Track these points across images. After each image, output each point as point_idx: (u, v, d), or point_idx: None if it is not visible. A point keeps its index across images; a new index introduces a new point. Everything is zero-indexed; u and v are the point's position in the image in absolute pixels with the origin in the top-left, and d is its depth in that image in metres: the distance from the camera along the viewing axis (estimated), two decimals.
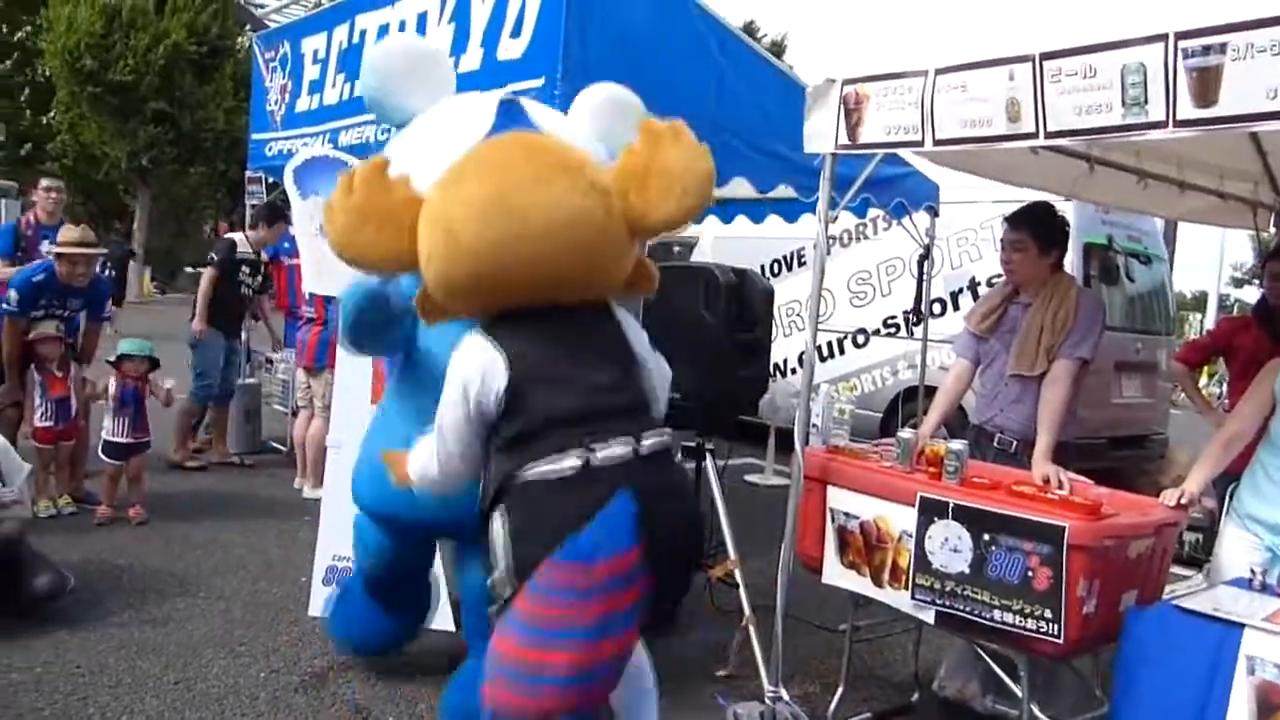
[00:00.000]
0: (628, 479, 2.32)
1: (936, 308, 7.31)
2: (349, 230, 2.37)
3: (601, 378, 2.44)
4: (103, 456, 5.53)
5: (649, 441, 2.42)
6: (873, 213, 6.22)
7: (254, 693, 3.49)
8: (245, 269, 7.31)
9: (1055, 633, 2.72)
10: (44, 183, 6.59)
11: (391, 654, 3.75)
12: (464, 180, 2.42)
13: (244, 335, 8.01)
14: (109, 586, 4.40)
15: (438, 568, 3.89)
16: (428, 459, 2.56)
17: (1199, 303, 32.00)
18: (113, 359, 5.60)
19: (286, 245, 7.85)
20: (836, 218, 4.07)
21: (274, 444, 7.77)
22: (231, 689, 3.51)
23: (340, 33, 6.32)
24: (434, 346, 3.16)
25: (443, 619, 4.06)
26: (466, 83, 5.02)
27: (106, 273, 7.22)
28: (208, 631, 3.97)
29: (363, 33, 6.02)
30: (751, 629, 3.83)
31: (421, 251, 2.40)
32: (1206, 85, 2.30)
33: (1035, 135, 2.70)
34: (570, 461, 2.30)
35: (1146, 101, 2.42)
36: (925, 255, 6.19)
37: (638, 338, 2.63)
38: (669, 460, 2.55)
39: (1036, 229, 3.75)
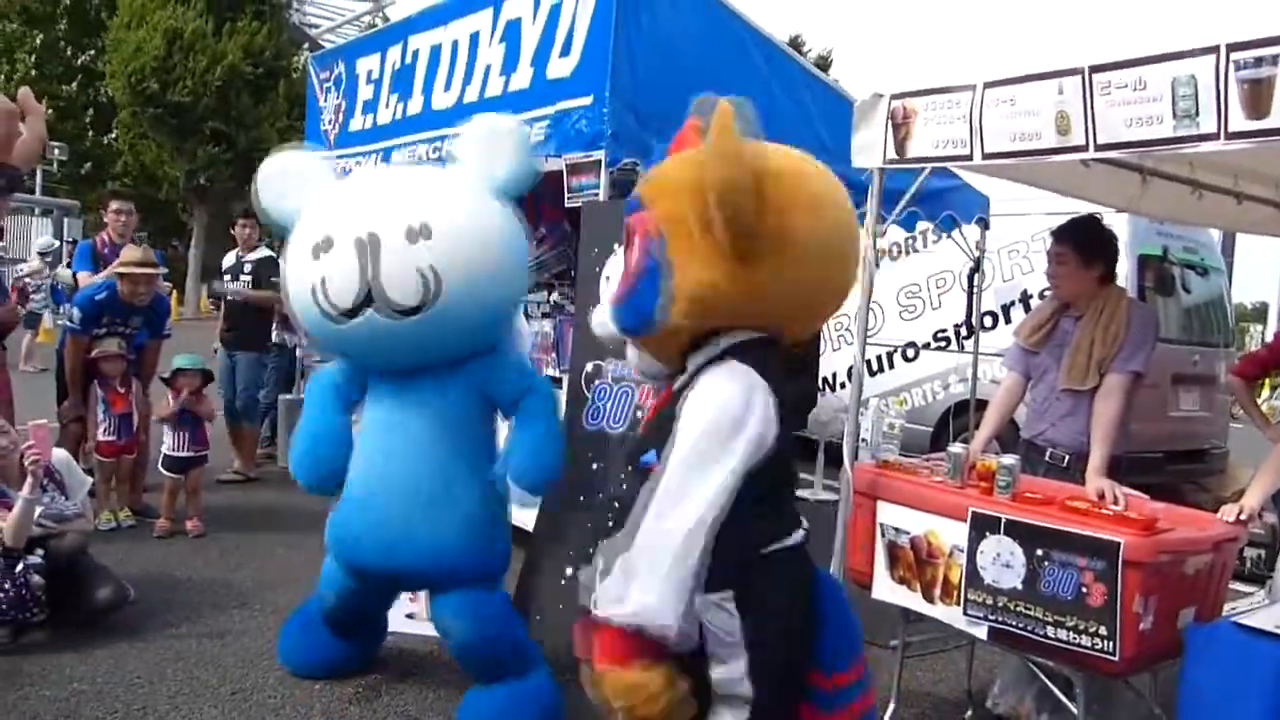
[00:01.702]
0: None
1: (988, 321, 7.25)
2: (745, 188, 1.99)
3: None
4: (162, 470, 5.66)
5: None
6: (921, 225, 6.20)
7: (309, 704, 3.55)
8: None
9: (1110, 650, 2.68)
10: (114, 205, 6.77)
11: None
12: (833, 188, 2.24)
13: (298, 351, 8.15)
14: (167, 598, 4.49)
15: None
16: (660, 584, 1.95)
17: (1259, 314, 31.32)
18: (167, 375, 5.73)
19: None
20: (885, 231, 4.07)
21: None
22: (287, 700, 3.57)
23: (393, 53, 6.44)
24: (373, 396, 3.48)
25: None
26: (517, 101, 5.12)
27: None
28: (263, 643, 4.04)
29: (415, 53, 6.14)
30: None
31: (776, 226, 2.05)
32: (1259, 97, 2.28)
33: (1085, 148, 2.69)
34: (801, 532, 2.12)
35: (1198, 114, 2.40)
36: (976, 268, 6.15)
37: None
38: None
39: (1078, 241, 3.71)
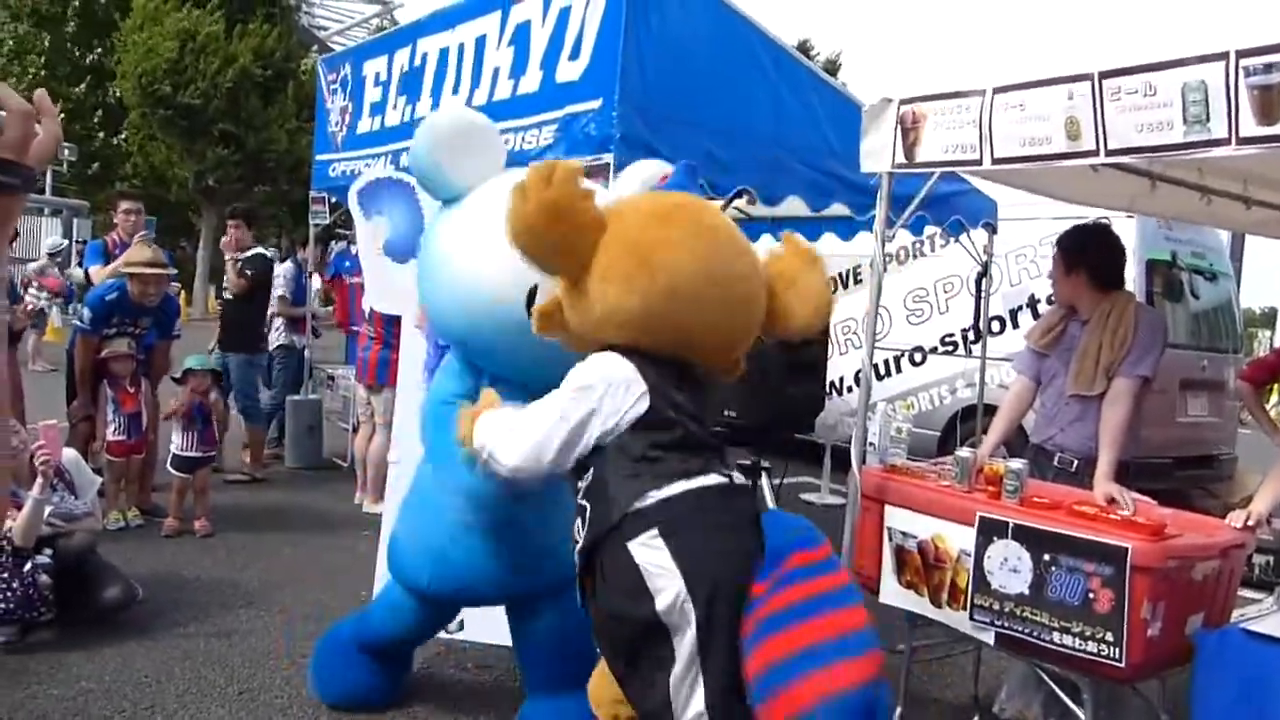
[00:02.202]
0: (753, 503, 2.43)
1: (995, 325, 7.24)
2: (540, 224, 2.31)
3: (705, 423, 2.47)
4: (170, 470, 5.68)
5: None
6: (929, 230, 6.20)
7: (316, 704, 3.55)
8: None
9: (1117, 656, 2.68)
10: (123, 205, 6.82)
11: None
12: (671, 223, 2.42)
13: (307, 352, 8.18)
14: (175, 597, 4.50)
15: None
16: (507, 440, 2.47)
17: (1268, 319, 31.23)
18: (177, 375, 5.76)
19: (348, 264, 8.01)
20: (894, 236, 4.08)
21: (335, 459, 7.91)
22: (294, 700, 3.58)
23: (401, 56, 6.45)
24: None
25: (498, 633, 4.11)
26: (526, 105, 5.12)
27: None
28: (270, 643, 4.05)
29: (424, 56, 6.15)
30: None
31: (603, 271, 2.36)
32: (1269, 103, 2.29)
33: (1095, 153, 2.69)
34: (716, 478, 2.35)
35: (1208, 119, 2.40)
36: (983, 272, 6.15)
37: None
38: None
39: (1061, 248, 3.81)
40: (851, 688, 2.09)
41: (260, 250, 7.49)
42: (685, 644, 2.21)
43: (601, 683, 2.70)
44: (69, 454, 4.43)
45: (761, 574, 2.23)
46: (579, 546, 2.41)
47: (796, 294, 2.56)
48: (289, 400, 7.86)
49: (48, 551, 3.99)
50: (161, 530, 5.54)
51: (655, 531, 2.26)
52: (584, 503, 2.41)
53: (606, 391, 2.34)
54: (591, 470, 2.40)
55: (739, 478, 2.48)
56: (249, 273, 7.21)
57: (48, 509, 3.99)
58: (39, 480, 3.87)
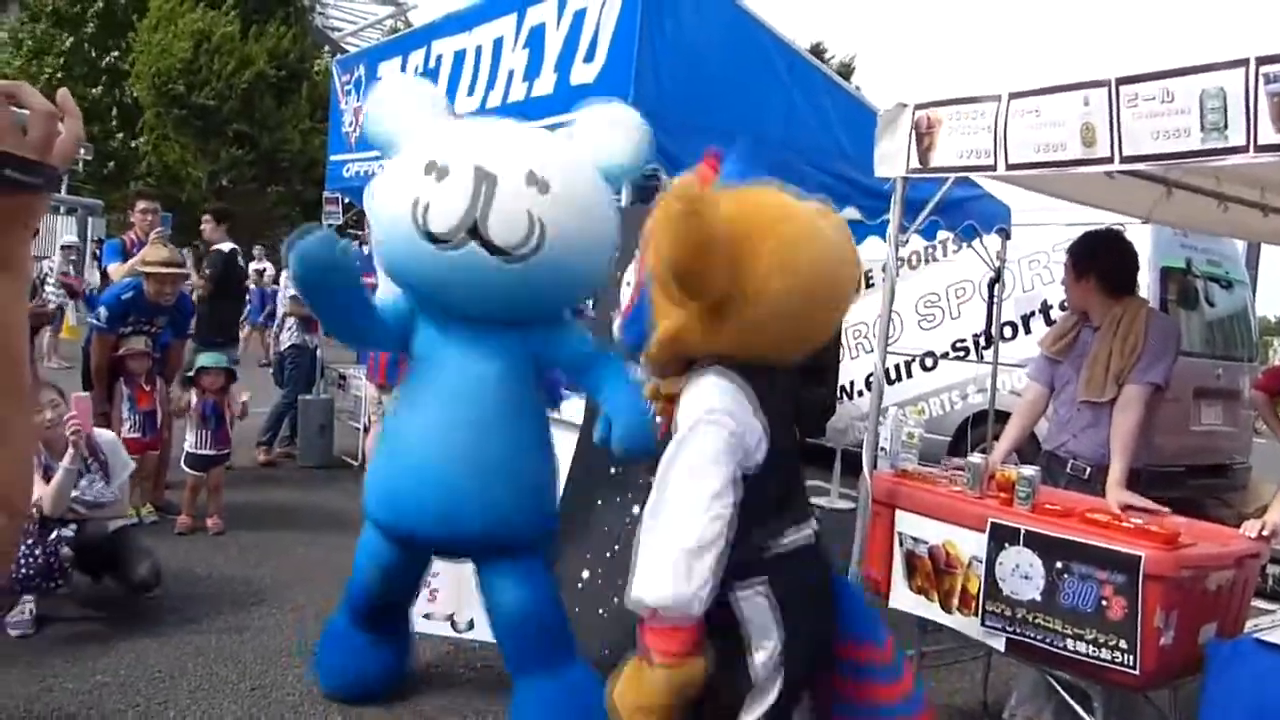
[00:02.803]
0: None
1: (1007, 331, 7.22)
2: (694, 254, 2.10)
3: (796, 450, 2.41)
4: (184, 468, 5.70)
5: None
6: (941, 235, 6.19)
7: (327, 701, 3.57)
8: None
9: (1131, 664, 2.67)
10: (140, 205, 6.87)
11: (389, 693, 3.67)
12: (805, 236, 2.27)
13: (319, 352, 8.21)
14: (188, 594, 4.53)
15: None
16: (679, 564, 2.07)
17: None
18: (191, 373, 5.79)
19: (359, 264, 8.03)
20: (906, 240, 4.08)
21: (346, 458, 7.93)
22: (306, 696, 3.60)
23: (416, 57, 6.47)
24: (428, 353, 3.34)
25: None
26: (540, 107, 5.14)
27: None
28: (282, 640, 4.07)
29: (438, 57, 6.17)
30: None
31: (749, 290, 2.17)
32: None
33: (1111, 160, 2.69)
34: (812, 528, 2.29)
35: (1226, 126, 2.40)
36: (996, 278, 6.14)
37: None
38: None
39: (1071, 253, 3.80)
40: None
41: (220, 247, 7.53)
42: (765, 703, 2.19)
43: (626, 686, 2.58)
44: (106, 435, 4.52)
45: (878, 638, 2.28)
46: None
47: None
48: (301, 399, 7.89)
49: (72, 526, 4.05)
50: (175, 527, 5.57)
51: (764, 582, 2.19)
52: None
53: (740, 441, 2.16)
54: None
55: (815, 525, 2.37)
56: (208, 271, 7.30)
57: (79, 488, 4.08)
58: (70, 451, 3.96)
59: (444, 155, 3.09)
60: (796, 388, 2.45)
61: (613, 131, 3.33)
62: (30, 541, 3.89)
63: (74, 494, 4.05)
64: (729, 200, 2.20)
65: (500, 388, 3.25)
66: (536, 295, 3.21)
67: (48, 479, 3.98)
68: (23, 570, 3.85)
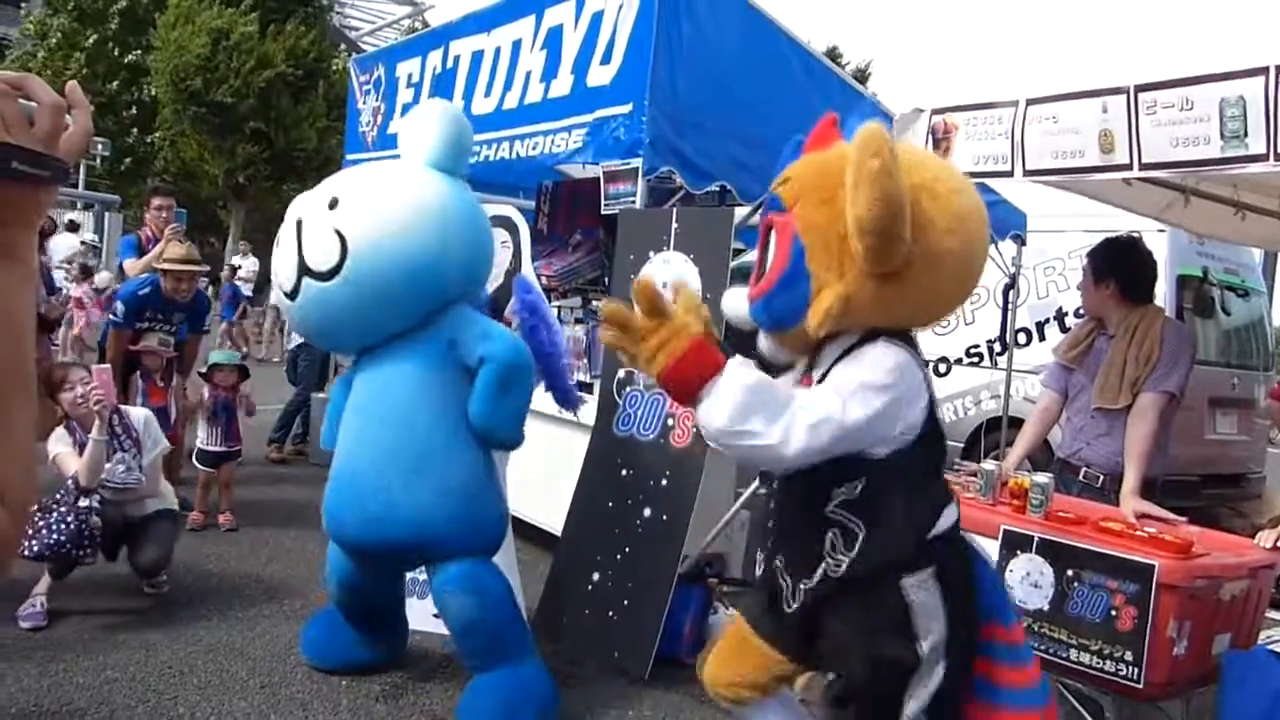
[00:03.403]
0: None
1: (1022, 338, 7.19)
2: (896, 214, 1.96)
3: None
4: (196, 464, 5.72)
5: None
6: None
7: (336, 699, 3.58)
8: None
9: (1135, 676, 2.66)
10: (155, 201, 6.88)
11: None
12: (965, 191, 2.20)
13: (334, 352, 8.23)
14: (199, 590, 4.54)
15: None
16: (767, 419, 1.96)
17: None
18: (204, 370, 5.81)
19: None
20: None
21: None
22: (315, 694, 3.60)
23: (434, 58, 6.49)
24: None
25: None
26: (557, 108, 5.15)
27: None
28: (292, 638, 4.07)
29: (456, 58, 6.19)
30: None
31: (925, 249, 2.05)
32: None
33: (1129, 167, 2.67)
34: (956, 511, 2.22)
35: (1246, 135, 2.38)
36: (1011, 284, 6.12)
37: None
38: None
39: (1092, 259, 3.79)
40: None
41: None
42: (928, 688, 2.12)
43: (719, 661, 2.52)
44: (140, 412, 4.59)
45: (1007, 617, 2.22)
46: (838, 570, 2.14)
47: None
48: (314, 397, 7.90)
49: (98, 498, 4.08)
50: (186, 523, 5.58)
51: (932, 571, 2.12)
52: (851, 520, 2.14)
53: (903, 396, 2.07)
54: (864, 483, 2.12)
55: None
56: None
57: (118, 470, 4.18)
58: (96, 423, 4.04)
59: (283, 231, 3.44)
60: None
61: (419, 126, 3.51)
62: (64, 508, 3.95)
63: (102, 476, 4.10)
64: (905, 160, 2.05)
65: (412, 391, 3.32)
66: (380, 298, 3.28)
67: (82, 453, 4.08)
68: (55, 535, 3.88)
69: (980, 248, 2.23)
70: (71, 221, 15.59)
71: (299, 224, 3.33)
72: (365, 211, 3.27)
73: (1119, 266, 3.69)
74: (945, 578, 2.12)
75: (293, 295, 3.35)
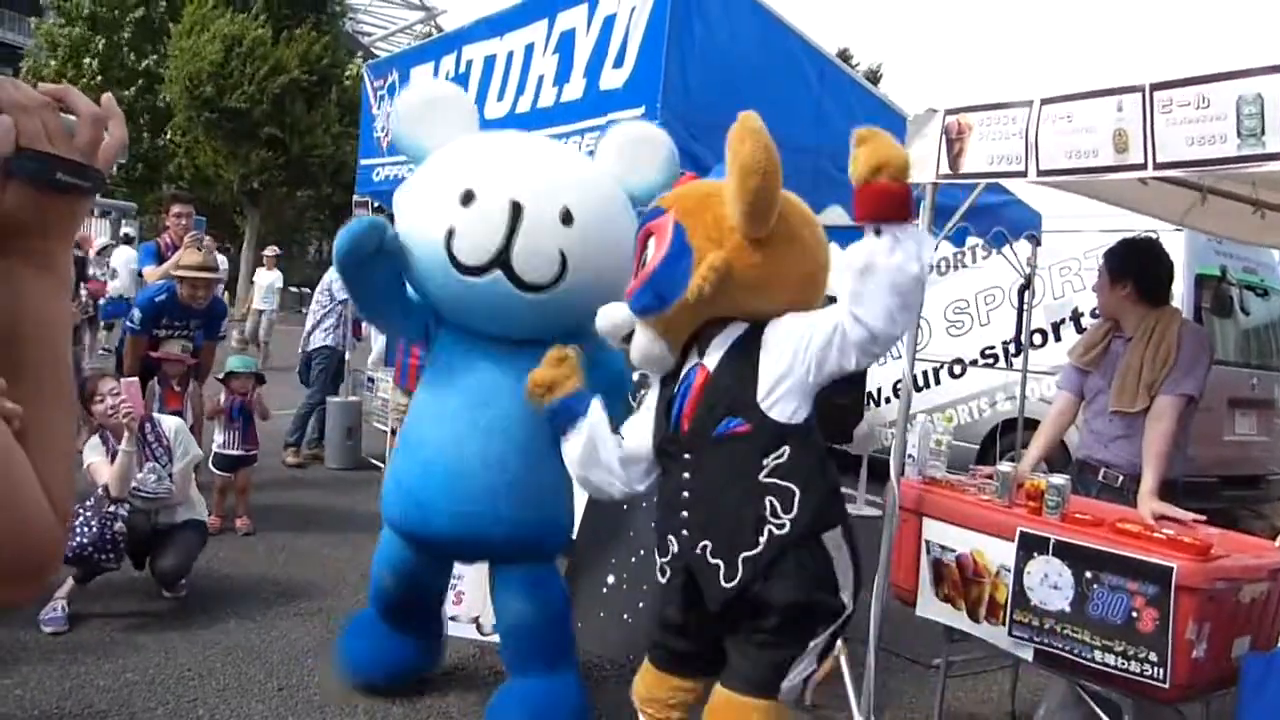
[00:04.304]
0: None
1: (1037, 339, 7.16)
2: (773, 169, 2.32)
3: None
4: (212, 468, 5.75)
5: None
6: (971, 241, 6.15)
7: (353, 702, 3.59)
8: None
9: (1161, 677, 2.64)
10: (175, 208, 6.93)
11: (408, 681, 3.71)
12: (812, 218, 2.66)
13: (346, 354, 8.25)
14: (217, 594, 4.57)
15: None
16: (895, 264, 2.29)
17: None
18: (221, 376, 5.85)
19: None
20: (936, 247, 4.05)
21: (374, 460, 7.97)
22: (332, 697, 3.61)
23: (447, 62, 6.50)
24: (449, 357, 3.39)
25: None
26: (570, 112, 5.15)
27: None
28: (309, 641, 4.09)
29: (469, 63, 6.20)
30: (842, 660, 3.79)
31: (784, 230, 2.47)
32: None
33: (1144, 167, 2.66)
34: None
35: (1263, 133, 2.36)
36: (1026, 285, 6.08)
37: None
38: None
39: (1108, 259, 3.77)
40: None
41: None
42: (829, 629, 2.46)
43: (648, 680, 2.73)
44: (172, 421, 4.65)
45: None
46: (783, 530, 2.36)
47: None
48: (329, 402, 7.93)
49: (126, 507, 4.12)
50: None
51: (840, 529, 2.44)
52: (784, 484, 2.38)
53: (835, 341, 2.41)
54: (789, 450, 2.39)
55: None
56: None
57: (150, 480, 4.25)
58: (125, 435, 4.08)
59: (471, 183, 3.12)
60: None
61: (638, 150, 3.32)
62: (89, 513, 3.99)
63: (132, 485, 4.15)
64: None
65: (518, 397, 3.19)
66: (556, 320, 3.21)
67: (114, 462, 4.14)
68: (77, 538, 3.92)
69: (823, 256, 2.60)
70: (126, 235, 15.67)
71: (517, 212, 3.04)
72: (594, 244, 3.13)
73: (1136, 267, 3.67)
74: (848, 533, 2.46)
75: (472, 273, 3.09)
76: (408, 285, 3.44)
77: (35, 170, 0.94)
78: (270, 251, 16.50)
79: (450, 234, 3.09)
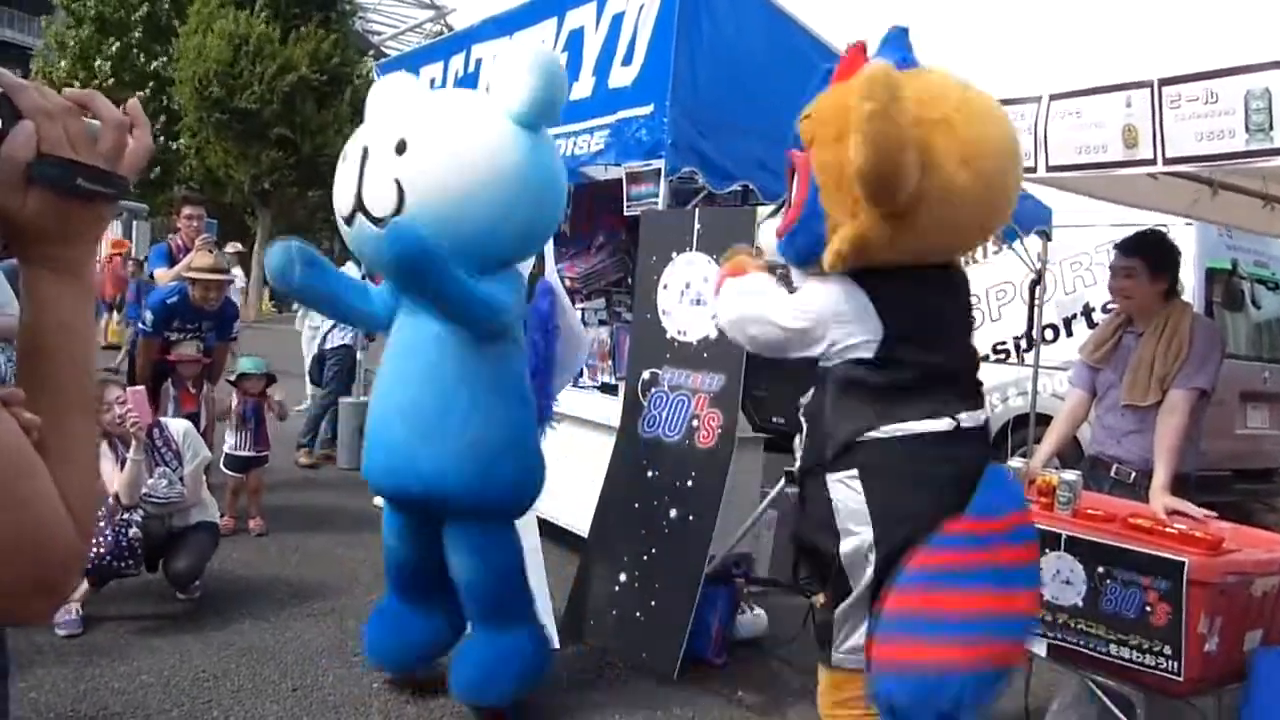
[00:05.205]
0: (984, 447, 2.39)
1: (1049, 334, 7.14)
2: (890, 158, 2.07)
3: (967, 341, 2.50)
4: (224, 469, 5.78)
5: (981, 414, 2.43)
6: None
7: (367, 702, 3.61)
8: None
9: (1175, 670, 2.64)
10: (186, 210, 6.94)
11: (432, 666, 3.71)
12: (984, 120, 2.26)
13: (360, 354, 8.28)
14: (231, 595, 4.59)
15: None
16: (745, 307, 2.54)
17: None
18: (233, 377, 5.87)
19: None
20: None
21: None
22: (346, 698, 3.63)
23: (456, 62, 6.52)
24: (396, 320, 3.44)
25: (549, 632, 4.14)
26: (579, 110, 5.16)
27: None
28: (323, 641, 4.11)
29: (478, 62, 6.22)
30: None
31: (937, 186, 2.16)
32: None
33: (1153, 162, 2.66)
34: (943, 423, 2.27)
35: (1272, 127, 2.36)
36: (1037, 280, 6.08)
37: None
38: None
39: (1147, 255, 3.64)
40: (980, 668, 2.15)
41: None
42: (860, 585, 2.31)
43: (827, 689, 2.65)
44: (180, 424, 4.66)
45: (980, 510, 2.24)
46: (798, 466, 2.46)
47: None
48: (341, 402, 7.95)
49: (140, 512, 4.16)
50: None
51: (855, 472, 2.26)
52: (804, 420, 2.46)
53: (832, 322, 2.34)
54: (816, 389, 2.43)
55: (973, 419, 2.35)
56: None
57: (161, 487, 4.26)
58: (133, 444, 4.10)
59: (353, 139, 3.36)
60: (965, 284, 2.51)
61: (509, 73, 3.24)
62: (102, 522, 4.01)
63: (144, 490, 4.17)
64: (908, 89, 2.11)
65: (440, 348, 3.26)
66: None
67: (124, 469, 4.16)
68: (95, 549, 3.94)
69: (1001, 178, 2.29)
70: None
71: (364, 154, 3.20)
72: (430, 168, 3.13)
73: (1174, 263, 3.64)
74: (873, 483, 2.23)
75: (349, 223, 3.29)
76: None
77: (57, 176, 0.94)
78: None
79: (338, 190, 3.34)
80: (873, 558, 2.24)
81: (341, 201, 3.30)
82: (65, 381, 0.98)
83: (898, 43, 2.42)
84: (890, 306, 2.31)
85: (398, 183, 3.11)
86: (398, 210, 3.11)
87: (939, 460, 2.26)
